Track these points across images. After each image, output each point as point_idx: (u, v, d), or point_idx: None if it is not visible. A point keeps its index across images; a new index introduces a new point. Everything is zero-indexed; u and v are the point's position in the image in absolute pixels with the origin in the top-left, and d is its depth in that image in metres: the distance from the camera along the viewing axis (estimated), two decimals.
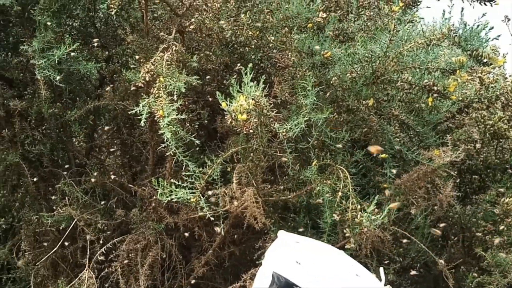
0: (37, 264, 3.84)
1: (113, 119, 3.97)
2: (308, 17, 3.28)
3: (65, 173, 3.79)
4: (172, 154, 2.89)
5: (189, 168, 2.95)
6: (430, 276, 3.89)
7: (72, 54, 3.30)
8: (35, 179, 3.78)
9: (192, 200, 2.92)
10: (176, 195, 2.92)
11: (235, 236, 3.67)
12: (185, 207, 3.54)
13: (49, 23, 3.38)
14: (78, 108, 3.67)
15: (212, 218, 2.96)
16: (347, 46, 3.27)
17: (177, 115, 2.87)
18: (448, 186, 3.21)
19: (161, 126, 2.88)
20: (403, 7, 3.10)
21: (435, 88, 3.09)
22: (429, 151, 3.16)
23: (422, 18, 3.90)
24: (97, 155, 4.20)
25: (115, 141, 4.12)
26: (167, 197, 2.94)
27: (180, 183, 2.97)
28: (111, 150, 4.03)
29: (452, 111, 3.57)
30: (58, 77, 3.24)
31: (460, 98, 3.43)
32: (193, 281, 3.64)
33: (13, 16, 3.68)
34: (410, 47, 3.05)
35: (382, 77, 3.19)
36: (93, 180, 3.69)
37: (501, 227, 3.29)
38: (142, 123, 2.99)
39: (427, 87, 3.13)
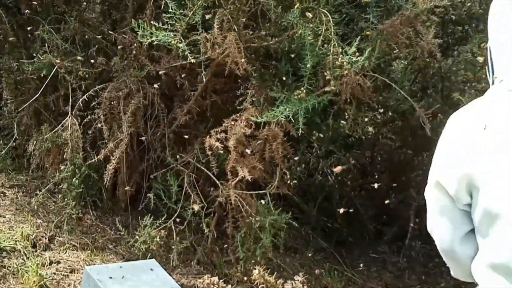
0: (19, 112, 3.86)
1: None
2: None
3: (44, 20, 3.72)
4: None
5: (170, 10, 2.91)
6: (408, 126, 3.98)
7: None
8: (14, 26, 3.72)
9: (173, 42, 2.90)
10: (156, 37, 2.90)
11: (217, 85, 3.68)
12: (166, 56, 3.52)
13: None
14: None
15: (193, 61, 2.96)
16: None
17: None
18: (430, 33, 3.20)
19: None
20: None
21: None
22: None
23: None
24: (75, 4, 4.10)
25: None
26: (147, 39, 2.91)
27: (160, 25, 2.94)
28: None
29: None
30: None
31: None
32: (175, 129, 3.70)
33: None
34: None
35: None
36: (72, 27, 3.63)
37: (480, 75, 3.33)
38: None
39: None
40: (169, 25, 2.92)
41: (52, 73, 3.59)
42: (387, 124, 4.26)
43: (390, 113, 4.02)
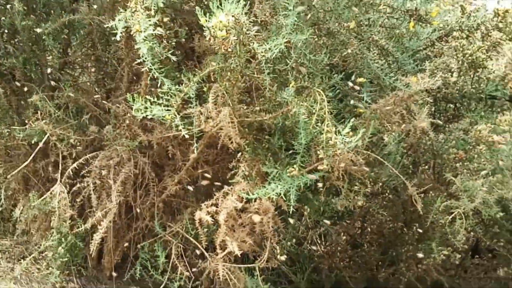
0: (7, 177, 3.82)
1: (88, 35, 3.86)
2: None
3: (38, 87, 3.71)
4: (147, 70, 2.85)
5: (165, 86, 2.91)
6: (399, 201, 3.96)
7: None
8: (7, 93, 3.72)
9: (167, 117, 2.90)
10: (151, 112, 2.89)
11: (209, 156, 3.67)
12: (159, 126, 3.52)
13: None
14: (52, 22, 3.59)
15: (187, 136, 2.95)
16: None
17: (154, 30, 2.81)
18: (423, 113, 3.22)
19: (137, 41, 2.82)
20: None
21: (417, 13, 3.06)
22: (406, 77, 3.16)
23: None
24: (71, 71, 4.12)
25: (90, 57, 4.04)
26: (142, 113, 2.90)
27: (155, 100, 2.93)
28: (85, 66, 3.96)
29: (432, 38, 3.54)
30: None
31: (441, 25, 3.41)
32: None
33: None
34: None
35: None
36: (66, 95, 3.63)
37: (472, 154, 3.34)
38: (118, 37, 2.92)
39: (409, 11, 3.09)
40: (164, 100, 2.91)
41: (43, 140, 3.56)
42: (377, 196, 4.26)
43: (381, 187, 4.02)
